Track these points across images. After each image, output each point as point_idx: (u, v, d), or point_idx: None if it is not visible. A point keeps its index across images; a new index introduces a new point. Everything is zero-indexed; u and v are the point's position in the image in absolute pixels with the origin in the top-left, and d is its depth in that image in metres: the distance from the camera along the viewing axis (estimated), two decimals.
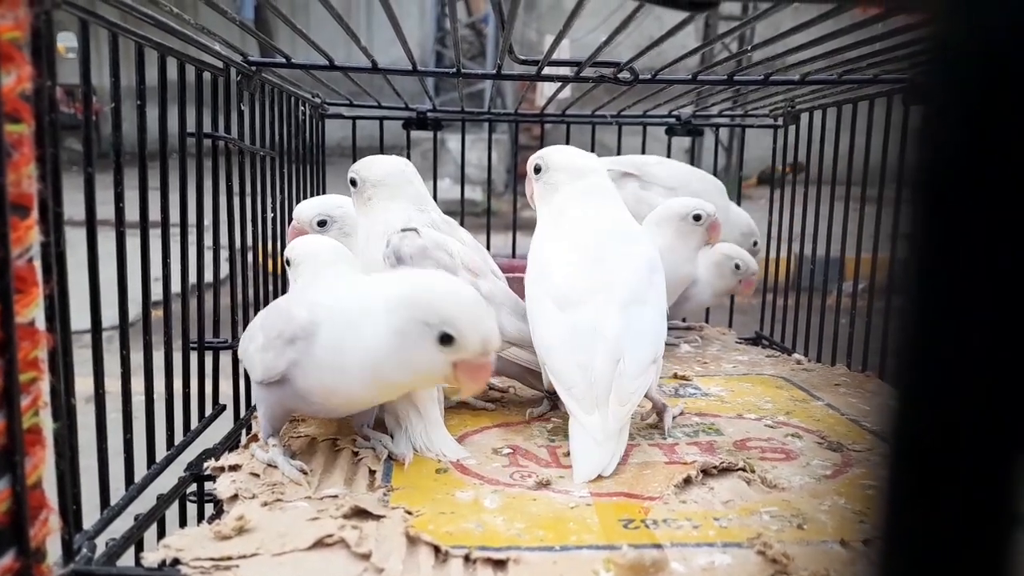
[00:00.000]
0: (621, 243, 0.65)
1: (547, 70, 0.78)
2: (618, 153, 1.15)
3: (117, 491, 0.49)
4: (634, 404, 0.58)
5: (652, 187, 1.00)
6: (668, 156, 1.15)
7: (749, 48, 0.74)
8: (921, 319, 0.15)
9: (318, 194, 0.96)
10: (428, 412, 0.60)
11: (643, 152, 1.14)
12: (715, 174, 1.13)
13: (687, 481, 0.53)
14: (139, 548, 0.49)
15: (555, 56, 0.74)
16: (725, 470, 0.55)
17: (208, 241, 0.67)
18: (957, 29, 0.15)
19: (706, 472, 0.54)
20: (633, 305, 0.61)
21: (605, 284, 0.62)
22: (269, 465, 0.53)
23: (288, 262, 0.65)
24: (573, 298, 0.61)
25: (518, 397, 0.73)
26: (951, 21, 0.15)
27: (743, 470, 0.55)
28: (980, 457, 0.15)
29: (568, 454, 0.58)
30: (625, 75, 0.77)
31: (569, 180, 0.67)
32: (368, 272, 0.64)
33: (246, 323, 0.72)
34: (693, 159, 1.30)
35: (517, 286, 0.70)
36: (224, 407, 0.68)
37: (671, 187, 0.99)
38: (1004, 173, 0.14)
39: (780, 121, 1.08)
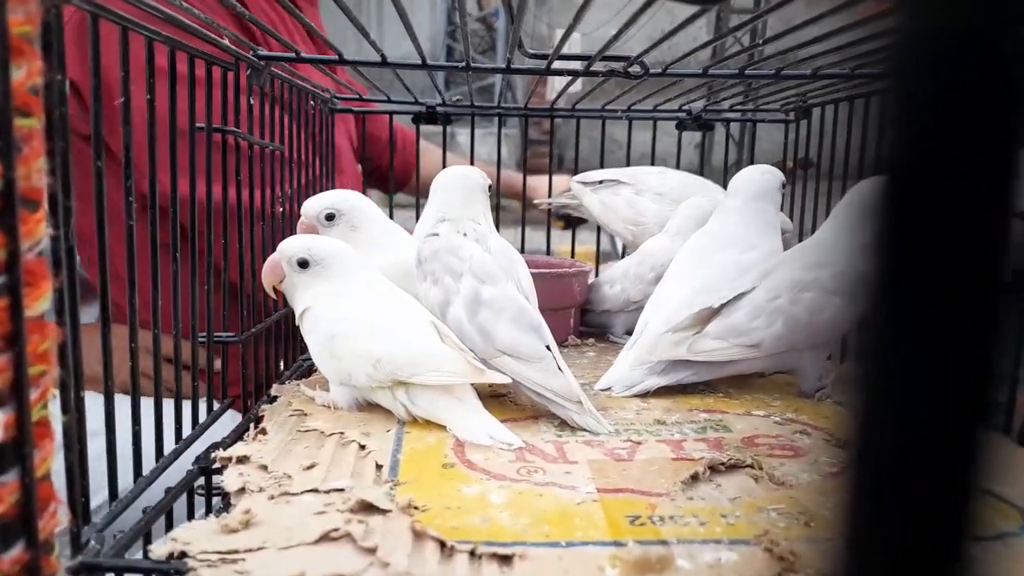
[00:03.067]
0: (730, 250, 0.80)
1: (557, 64, 0.78)
2: (628, 147, 1.14)
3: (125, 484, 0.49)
4: (658, 356, 0.73)
5: (644, 193, 1.04)
6: (679, 151, 1.15)
7: (761, 42, 0.74)
8: (886, 307, 0.16)
9: (328, 189, 0.96)
10: (473, 402, 0.63)
11: (653, 147, 1.14)
12: (726, 169, 1.13)
13: (694, 478, 0.53)
14: (147, 541, 0.49)
15: (565, 50, 0.74)
16: (733, 467, 0.55)
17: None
18: (930, 17, 0.15)
19: (714, 469, 0.54)
20: (709, 292, 0.75)
21: (696, 276, 0.78)
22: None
23: (304, 263, 0.66)
24: (671, 280, 0.82)
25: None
26: (922, 9, 0.15)
27: (751, 467, 0.55)
28: (944, 430, 0.16)
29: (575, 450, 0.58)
30: (635, 69, 0.77)
31: (735, 199, 0.84)
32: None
33: (254, 318, 0.72)
34: (703, 153, 1.29)
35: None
36: (232, 401, 0.69)
37: (660, 192, 1.03)
38: (968, 164, 0.15)
39: (791, 116, 1.08)
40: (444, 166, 1.06)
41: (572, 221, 1.22)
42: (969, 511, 0.16)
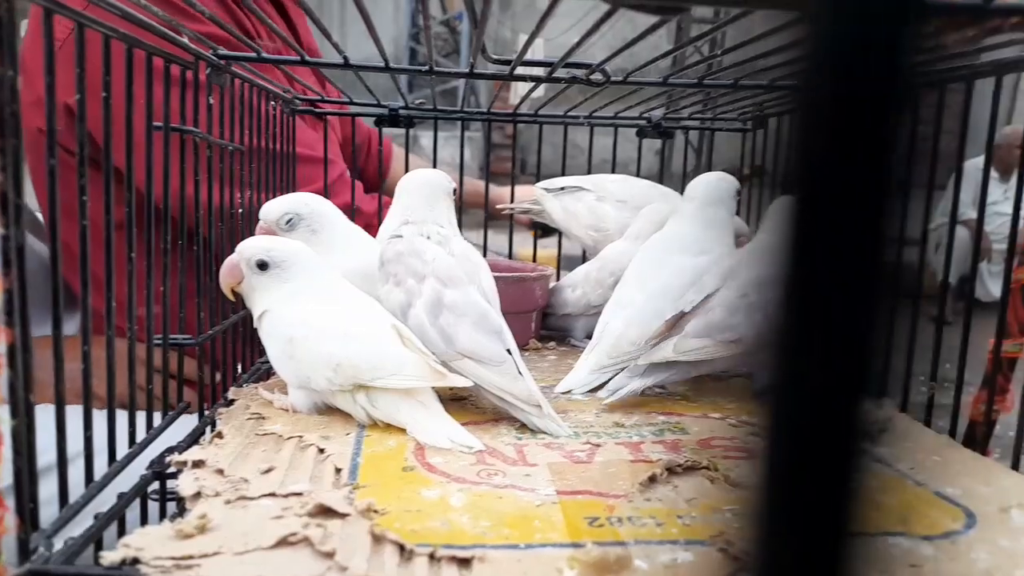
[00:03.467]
0: (685, 253, 0.81)
1: (520, 70, 0.78)
2: (590, 153, 1.16)
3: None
4: (621, 361, 0.75)
5: (606, 200, 1.05)
6: (639, 157, 1.17)
7: (719, 53, 0.75)
8: (792, 301, 0.18)
9: (289, 191, 0.95)
10: (434, 406, 0.63)
11: (614, 154, 1.15)
12: (685, 175, 1.14)
13: (652, 479, 0.54)
14: (99, 547, 0.48)
15: (529, 56, 0.75)
16: (690, 468, 0.56)
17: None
18: (831, 31, 0.16)
19: (671, 470, 0.55)
20: (667, 294, 0.77)
21: (652, 279, 0.80)
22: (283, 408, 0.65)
23: (263, 265, 0.65)
24: (629, 283, 0.83)
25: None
26: (826, 22, 0.16)
27: (707, 468, 0.56)
28: (834, 401, 0.18)
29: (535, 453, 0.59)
30: (597, 76, 0.77)
31: (690, 203, 0.86)
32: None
33: (211, 320, 0.71)
34: (663, 161, 1.31)
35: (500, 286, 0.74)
36: (188, 404, 0.67)
37: (622, 199, 1.04)
38: (860, 176, 0.17)
39: (748, 125, 1.10)
40: (407, 169, 1.06)
41: (547, 230, 1.23)
42: (851, 506, 0.18)
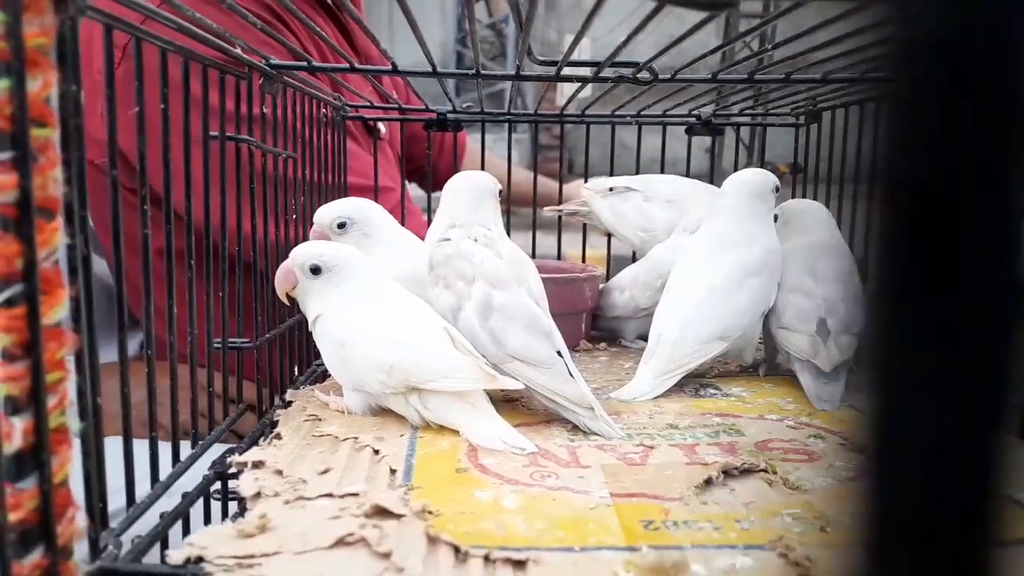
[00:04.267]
0: (734, 249, 0.79)
1: (566, 70, 0.78)
2: (638, 152, 1.14)
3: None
4: (681, 367, 0.74)
5: (654, 200, 1.03)
6: (688, 155, 1.15)
7: (770, 47, 0.73)
8: (896, 313, 0.17)
9: (340, 196, 0.97)
10: (486, 407, 0.63)
11: (663, 152, 1.14)
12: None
13: (708, 482, 0.53)
14: (164, 546, 0.49)
15: (575, 56, 0.74)
16: (747, 471, 0.55)
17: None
18: (926, 24, 0.15)
19: (727, 473, 0.54)
20: (717, 293, 0.77)
21: (704, 279, 0.78)
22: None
23: (316, 269, 0.66)
24: (680, 284, 0.80)
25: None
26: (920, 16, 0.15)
27: (765, 471, 0.55)
28: (959, 434, 0.17)
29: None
30: (644, 75, 0.77)
31: (728, 198, 0.83)
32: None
33: (268, 324, 0.73)
34: (713, 158, 1.29)
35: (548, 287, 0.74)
36: (248, 406, 0.69)
37: (670, 200, 1.02)
38: (961, 173, 0.15)
39: (801, 120, 1.07)
40: (457, 171, 1.06)
41: None
42: (988, 517, 0.16)
